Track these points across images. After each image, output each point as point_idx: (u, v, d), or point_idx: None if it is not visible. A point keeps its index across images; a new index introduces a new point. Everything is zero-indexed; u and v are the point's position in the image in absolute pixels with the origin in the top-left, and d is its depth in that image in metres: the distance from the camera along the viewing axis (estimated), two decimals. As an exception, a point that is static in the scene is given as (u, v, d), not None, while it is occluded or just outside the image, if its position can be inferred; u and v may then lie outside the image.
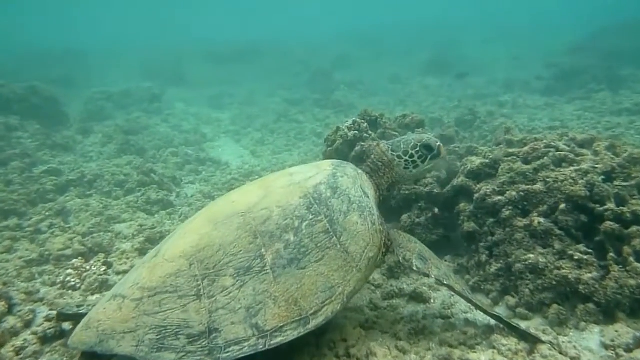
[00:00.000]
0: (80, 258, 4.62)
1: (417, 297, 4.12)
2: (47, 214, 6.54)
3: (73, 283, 4.25)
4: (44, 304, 4.07)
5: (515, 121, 11.87)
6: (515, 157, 4.26)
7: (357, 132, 5.35)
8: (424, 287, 4.24)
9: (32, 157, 9.12)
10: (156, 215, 7.36)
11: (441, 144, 3.65)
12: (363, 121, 5.55)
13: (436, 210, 4.71)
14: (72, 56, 29.68)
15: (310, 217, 2.98)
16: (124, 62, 31.19)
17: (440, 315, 3.79)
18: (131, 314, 2.60)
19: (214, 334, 2.52)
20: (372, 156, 3.80)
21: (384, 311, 3.97)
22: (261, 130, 17.45)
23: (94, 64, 29.49)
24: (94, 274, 4.36)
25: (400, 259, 3.27)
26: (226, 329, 2.53)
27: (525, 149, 4.27)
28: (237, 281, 2.68)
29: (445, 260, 4.64)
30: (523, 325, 3.42)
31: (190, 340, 2.49)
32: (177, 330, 2.52)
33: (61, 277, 4.33)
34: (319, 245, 2.88)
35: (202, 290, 2.65)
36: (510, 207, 3.94)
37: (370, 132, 5.49)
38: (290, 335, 2.57)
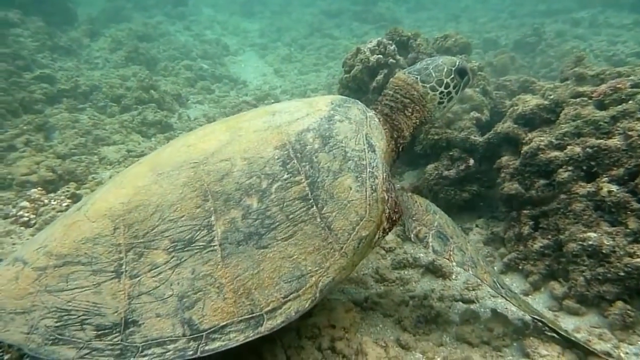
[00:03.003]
0: (39, 188, 4.12)
1: (434, 270, 3.50)
2: (26, 128, 6.05)
3: (26, 218, 3.79)
4: (-16, 242, 3.67)
5: (590, 44, 10.21)
6: (585, 99, 3.33)
7: (381, 55, 4.44)
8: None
9: (25, 59, 8.53)
10: (152, 139, 6.85)
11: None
12: (391, 42, 4.59)
13: (471, 161, 3.89)
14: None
15: (285, 176, 2.28)
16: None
17: (462, 298, 3.18)
18: (29, 287, 2.04)
19: (130, 328, 1.95)
20: (392, 91, 3.05)
21: (391, 286, 3.37)
22: (290, 45, 16.49)
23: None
24: (53, 209, 3.88)
25: (412, 236, 2.61)
26: (148, 323, 1.96)
27: (602, 87, 3.31)
28: (172, 258, 2.07)
29: (477, 226, 3.91)
30: (571, 322, 2.82)
31: (99, 333, 1.95)
32: (84, 317, 1.97)
33: (14, 210, 3.87)
34: (291, 216, 2.20)
35: (123, 266, 2.06)
36: (570, 168, 3.12)
37: (398, 57, 4.55)
38: (234, 339, 1.97)
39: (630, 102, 3.07)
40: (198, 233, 2.11)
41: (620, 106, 3.09)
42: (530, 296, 3.12)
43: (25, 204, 3.91)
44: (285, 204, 2.22)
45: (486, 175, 3.90)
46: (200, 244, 2.10)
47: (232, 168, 2.28)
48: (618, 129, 3.01)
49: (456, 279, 3.43)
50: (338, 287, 3.28)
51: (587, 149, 3.04)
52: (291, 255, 2.15)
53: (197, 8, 21.72)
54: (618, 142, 2.94)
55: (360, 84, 4.50)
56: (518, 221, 3.41)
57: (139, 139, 6.72)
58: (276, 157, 2.33)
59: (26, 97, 7.00)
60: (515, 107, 3.69)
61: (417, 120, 3.01)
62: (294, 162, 2.33)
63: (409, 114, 2.98)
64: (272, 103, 9.24)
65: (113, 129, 6.72)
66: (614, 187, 2.86)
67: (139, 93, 7.69)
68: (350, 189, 2.34)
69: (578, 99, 3.34)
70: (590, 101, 3.31)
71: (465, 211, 4.03)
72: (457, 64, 2.97)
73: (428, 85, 2.94)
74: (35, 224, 3.83)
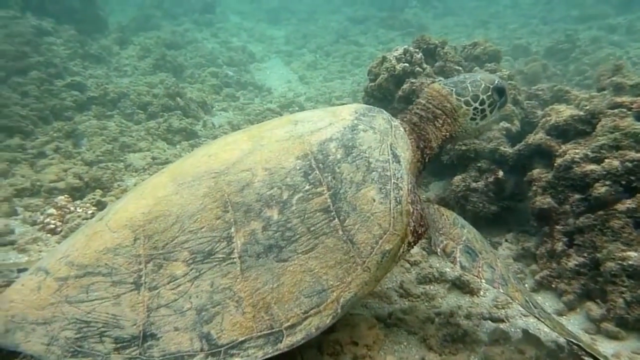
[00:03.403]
0: (65, 196, 4.19)
1: (461, 286, 3.40)
2: (56, 135, 6.21)
3: (53, 225, 3.85)
4: (14, 248, 3.73)
5: (627, 51, 9.87)
6: (624, 111, 3.17)
7: (407, 64, 4.36)
8: (473, 274, 3.46)
9: (57, 67, 8.75)
10: (177, 146, 6.92)
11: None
12: (417, 50, 4.51)
13: (501, 173, 3.77)
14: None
15: (307, 187, 2.24)
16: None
17: (491, 317, 3.05)
18: (50, 298, 2.06)
19: (149, 341, 1.94)
20: (425, 100, 2.99)
21: (416, 301, 3.28)
22: (316, 51, 16.59)
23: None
24: (79, 216, 3.94)
25: (439, 250, 2.53)
26: (166, 337, 1.94)
27: (643, 98, 3.14)
28: (192, 270, 2.05)
29: (506, 240, 3.77)
30: (610, 346, 2.67)
31: (118, 346, 1.94)
32: (104, 329, 1.96)
33: (42, 217, 3.94)
34: (312, 229, 2.16)
35: (143, 278, 2.05)
36: (608, 182, 2.98)
37: (425, 66, 4.48)
38: (252, 355, 1.93)
39: (673, 113, 2.93)
40: (218, 245, 2.09)
41: (662, 118, 2.95)
42: (564, 317, 2.98)
43: (52, 211, 3.98)
44: (306, 215, 2.18)
45: (516, 188, 3.77)
46: (220, 256, 2.07)
47: (253, 178, 2.26)
48: (660, 142, 2.87)
49: (484, 295, 3.31)
50: (361, 302, 3.21)
51: (627, 163, 2.90)
52: (312, 269, 2.10)
53: (224, 15, 22.14)
54: (660, 156, 2.80)
55: (386, 93, 4.45)
56: (551, 237, 3.27)
57: (164, 146, 6.80)
58: (298, 167, 2.30)
59: (57, 105, 7.19)
60: (548, 118, 3.56)
61: (447, 133, 2.93)
62: (315, 173, 2.29)
63: (439, 125, 2.92)
64: (296, 110, 9.33)
65: (139, 136, 6.82)
66: (656, 204, 2.73)
67: (165, 100, 7.80)
68: (374, 200, 2.28)
69: (616, 110, 3.20)
70: (629, 112, 3.16)
71: (494, 225, 3.90)
72: (496, 82, 2.89)
73: (462, 99, 2.87)
74: (61, 231, 3.89)
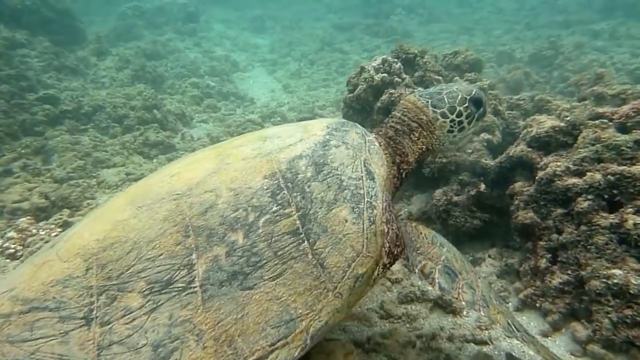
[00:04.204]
0: (27, 217, 4.02)
1: (444, 306, 3.32)
2: (24, 151, 6.03)
3: (12, 250, 3.68)
4: (-30, 276, 3.56)
5: (612, 56, 9.93)
6: (606, 121, 3.12)
7: (386, 74, 4.30)
8: (455, 293, 3.36)
9: (30, 80, 8.54)
10: (154, 160, 6.78)
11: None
12: (396, 60, 4.45)
13: (483, 186, 3.70)
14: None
15: (274, 208, 2.14)
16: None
17: (474, 339, 2.97)
18: (-10, 338, 1.91)
19: (99, 384, 1.80)
20: (400, 113, 2.91)
21: (397, 323, 3.18)
22: (300, 60, 16.60)
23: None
24: (41, 239, 3.77)
25: (417, 271, 2.42)
26: (119, 378, 1.80)
27: (624, 109, 3.11)
28: (148, 302, 1.91)
29: (489, 256, 3.69)
30: None
31: (64, 390, 1.79)
32: (49, 372, 1.82)
33: (1, 241, 3.77)
34: (280, 253, 2.05)
35: (94, 312, 1.91)
36: (590, 196, 2.91)
37: (404, 76, 4.41)
38: (213, 397, 1.81)
39: (655, 124, 2.89)
40: (177, 273, 1.96)
41: (645, 129, 2.90)
42: (549, 338, 2.90)
43: (12, 234, 3.81)
44: (273, 239, 2.07)
45: (499, 202, 3.70)
46: (180, 285, 1.94)
47: (217, 200, 2.14)
48: (643, 154, 2.81)
49: (467, 315, 3.22)
50: (338, 326, 3.10)
51: (609, 176, 2.84)
52: (279, 296, 1.98)
53: (208, 24, 22.04)
54: (643, 169, 2.74)
55: (364, 104, 4.37)
56: (534, 253, 3.19)
57: (141, 160, 6.66)
58: (265, 187, 2.19)
59: (27, 119, 7.01)
60: (529, 129, 3.50)
61: (424, 147, 2.85)
62: (284, 193, 2.18)
63: (415, 138, 2.84)
64: (279, 121, 9.24)
65: (114, 151, 6.67)
66: (640, 219, 2.66)
67: (142, 113, 7.66)
68: (346, 221, 2.18)
69: (597, 121, 3.14)
70: (610, 123, 3.12)
71: (477, 240, 3.82)
72: (473, 93, 2.81)
73: (439, 111, 2.79)
74: (22, 256, 3.73)
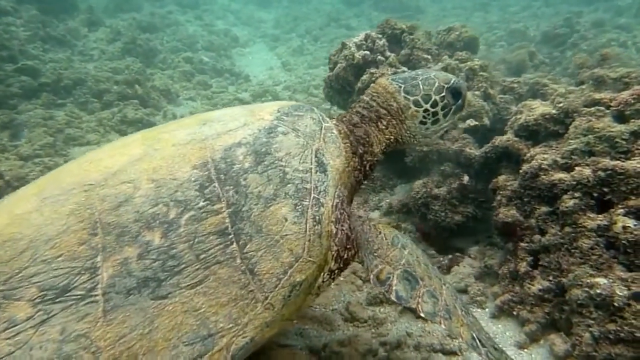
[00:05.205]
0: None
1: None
2: (-10, 126, 5.85)
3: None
4: None
5: (635, 35, 9.45)
6: (602, 109, 2.84)
7: (368, 52, 4.01)
8: (427, 295, 3.15)
9: (11, 50, 8.30)
10: (132, 139, 6.56)
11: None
12: (380, 36, 4.16)
13: (466, 178, 3.46)
14: None
15: (201, 204, 1.91)
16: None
17: (442, 349, 2.78)
18: None
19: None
20: (368, 97, 2.67)
21: (361, 327, 2.99)
22: (304, 36, 16.23)
23: None
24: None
25: (372, 277, 2.18)
26: (-3, 402, 1.61)
27: (623, 95, 2.83)
28: (38, 312, 1.69)
29: (469, 256, 3.46)
30: None
31: None
32: None
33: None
34: (202, 256, 1.82)
35: (-24, 323, 1.71)
36: (577, 194, 2.65)
37: (388, 54, 4.13)
38: None
39: (656, 114, 2.61)
40: (77, 278, 1.73)
41: (643, 119, 2.63)
42: (525, 350, 2.68)
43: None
44: (196, 240, 1.83)
45: (483, 195, 3.46)
46: (78, 293, 1.71)
47: (134, 192, 1.89)
48: (639, 147, 2.54)
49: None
50: (296, 330, 2.92)
51: (600, 172, 2.57)
52: (197, 308, 1.76)
53: (213, -4, 21.67)
54: (639, 165, 2.48)
55: (344, 84, 4.12)
56: (514, 255, 2.96)
57: (117, 138, 6.46)
58: (193, 179, 1.95)
59: (0, 92, 6.82)
60: (518, 116, 3.24)
61: (392, 137, 2.62)
62: (214, 186, 1.95)
63: (383, 127, 2.60)
64: (270, 101, 8.98)
65: (89, 128, 6.47)
66: (630, 222, 2.39)
67: (122, 88, 7.43)
68: (286, 220, 1.95)
69: (593, 109, 2.87)
70: (607, 111, 2.84)
71: (460, 236, 3.59)
72: (452, 82, 2.57)
73: (412, 99, 2.54)
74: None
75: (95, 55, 10.82)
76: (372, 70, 3.92)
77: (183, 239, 1.84)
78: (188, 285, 1.78)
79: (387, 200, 4.19)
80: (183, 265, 1.80)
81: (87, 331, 1.67)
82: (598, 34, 9.28)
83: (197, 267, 1.81)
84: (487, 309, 3.03)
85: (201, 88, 9.54)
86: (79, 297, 1.72)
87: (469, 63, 4.03)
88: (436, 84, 2.54)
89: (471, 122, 3.60)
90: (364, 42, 4.12)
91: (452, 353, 2.72)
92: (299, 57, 13.57)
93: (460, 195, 3.47)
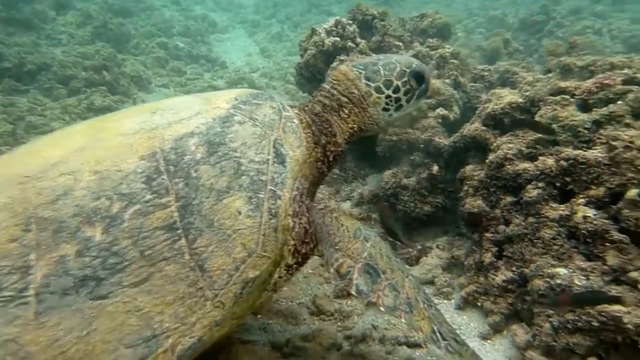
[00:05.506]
0: None
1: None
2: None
3: None
4: None
5: (610, 23, 9.53)
6: (567, 97, 2.83)
7: (338, 38, 3.95)
8: (395, 287, 3.15)
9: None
10: (99, 128, 6.41)
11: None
12: (351, 22, 4.09)
13: (435, 168, 3.44)
14: None
15: (147, 197, 1.82)
16: None
17: (407, 341, 2.76)
18: None
19: None
20: (329, 85, 2.59)
21: (327, 321, 2.96)
22: (284, 22, 16.03)
23: None
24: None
25: (332, 271, 2.12)
26: None
27: (587, 83, 2.82)
28: (-37, 315, 1.61)
29: (437, 246, 3.45)
30: None
31: None
32: None
33: None
34: (147, 252, 1.74)
35: None
36: (541, 184, 2.65)
37: (359, 40, 4.07)
38: None
39: (618, 102, 2.60)
40: (7, 278, 1.60)
41: (606, 108, 2.62)
42: (489, 341, 2.69)
43: None
44: (141, 235, 1.75)
45: (452, 185, 3.44)
46: (7, 294, 1.59)
47: (75, 185, 1.78)
48: (601, 137, 2.54)
49: (405, 313, 3.01)
50: (260, 325, 2.88)
51: (562, 162, 2.57)
52: (140, 307, 1.68)
53: (192, -21, 21.26)
54: (599, 155, 2.47)
55: (314, 71, 4.06)
56: (480, 246, 2.96)
57: (83, 128, 6.31)
58: (139, 170, 1.85)
59: (-44, 78, 6.59)
60: (486, 105, 3.22)
61: (355, 125, 2.55)
62: (162, 178, 1.86)
63: (345, 116, 2.54)
64: (245, 87, 8.85)
65: (54, 115, 6.28)
66: (590, 212, 2.40)
67: (90, 74, 7.24)
68: (239, 213, 1.88)
69: (558, 97, 2.86)
70: (572, 100, 2.83)
71: (429, 226, 3.58)
72: (414, 66, 2.51)
73: (373, 85, 2.47)
74: None
75: (64, 40, 10.51)
76: (342, 57, 3.87)
77: (127, 235, 1.75)
78: (131, 283, 1.70)
79: (359, 191, 4.16)
80: (126, 263, 1.71)
81: (17, 335, 1.56)
82: (575, 21, 9.33)
83: (141, 264, 1.73)
84: (452, 300, 3.03)
85: (175, 75, 9.37)
86: (8, 298, 1.60)
87: (439, 50, 3.99)
88: (397, 69, 2.48)
89: (441, 111, 3.57)
90: (334, 28, 4.06)
91: (417, 345, 2.71)
92: (278, 44, 13.42)
93: (430, 185, 3.46)
